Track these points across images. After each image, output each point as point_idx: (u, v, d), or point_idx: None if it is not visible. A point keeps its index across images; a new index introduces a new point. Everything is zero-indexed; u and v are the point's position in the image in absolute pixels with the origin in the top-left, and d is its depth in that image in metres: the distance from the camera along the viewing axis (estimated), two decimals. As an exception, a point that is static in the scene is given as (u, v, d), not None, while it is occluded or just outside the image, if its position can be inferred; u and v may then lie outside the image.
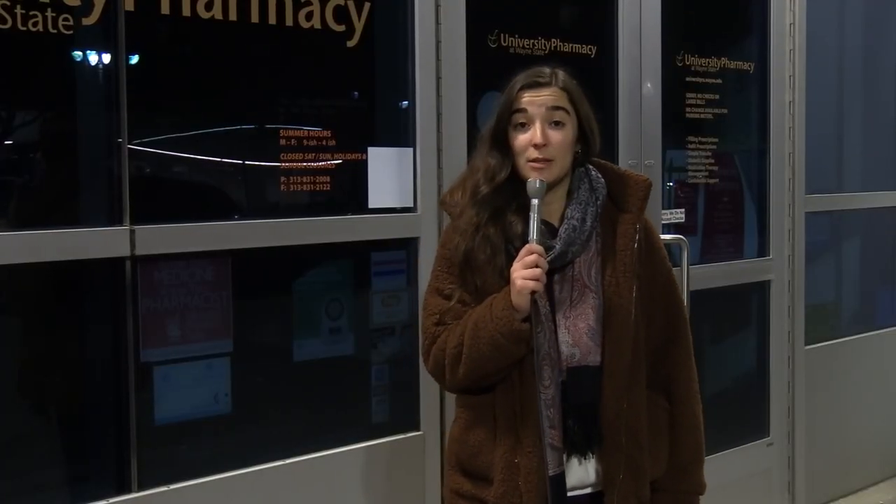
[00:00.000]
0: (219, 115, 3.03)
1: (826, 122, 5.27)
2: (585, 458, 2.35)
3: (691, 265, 4.03)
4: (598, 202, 2.39)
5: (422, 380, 3.32)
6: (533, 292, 2.23)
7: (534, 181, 2.27)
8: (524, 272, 2.22)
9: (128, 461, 2.77)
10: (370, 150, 3.27)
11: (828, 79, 5.24)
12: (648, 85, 4.13)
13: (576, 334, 2.32)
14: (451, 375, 2.34)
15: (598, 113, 2.45)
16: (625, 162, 3.98)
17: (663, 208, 4.24)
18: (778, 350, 4.75)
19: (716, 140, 4.50)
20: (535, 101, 2.33)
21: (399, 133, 3.37)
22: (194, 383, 2.92)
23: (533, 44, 3.71)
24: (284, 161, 3.09)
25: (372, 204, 3.28)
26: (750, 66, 4.67)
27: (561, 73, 2.38)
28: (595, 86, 3.95)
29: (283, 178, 3.10)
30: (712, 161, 4.48)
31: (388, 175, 3.31)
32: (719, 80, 4.50)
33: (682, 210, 4.36)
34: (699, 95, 4.42)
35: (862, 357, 5.33)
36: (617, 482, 2.34)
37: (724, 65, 4.53)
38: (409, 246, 3.38)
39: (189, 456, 2.94)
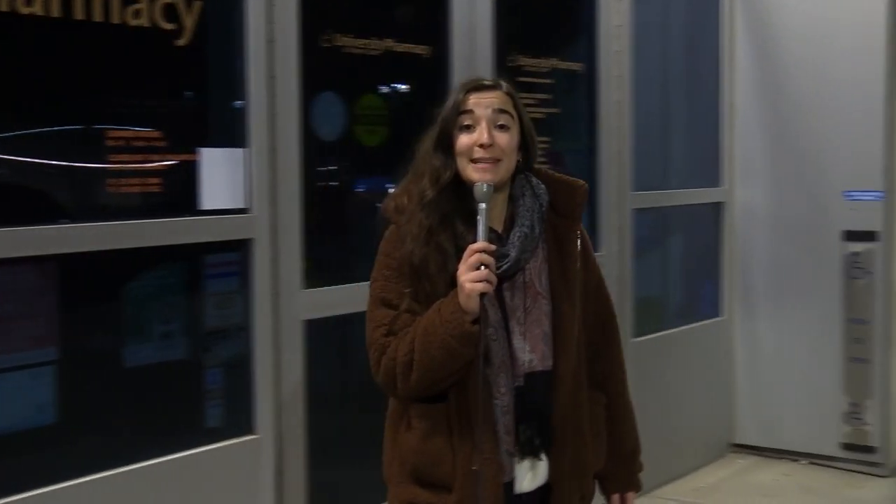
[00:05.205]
0: (43, 116, 2.93)
1: (653, 121, 5.45)
2: (538, 460, 2.39)
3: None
4: (542, 209, 2.42)
5: (256, 382, 3.29)
6: (483, 294, 2.23)
7: (481, 185, 2.27)
8: (471, 275, 2.21)
9: (-56, 477, 2.66)
10: (202, 150, 3.22)
11: (654, 79, 5.42)
12: (482, 85, 4.17)
13: (532, 341, 2.36)
14: (403, 384, 2.31)
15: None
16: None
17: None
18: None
19: (548, 139, 4.60)
20: (481, 102, 2.34)
21: (232, 133, 3.32)
22: (15, 394, 2.82)
23: (367, 44, 3.70)
24: (113, 162, 3.00)
25: (204, 205, 3.22)
26: (580, 66, 4.78)
27: (504, 81, 2.42)
28: (429, 86, 4.03)
29: (111, 180, 3.02)
30: (544, 160, 4.57)
31: (220, 176, 3.26)
32: (551, 80, 4.60)
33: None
34: (531, 95, 4.50)
35: (686, 347, 5.55)
36: (565, 479, 2.40)
37: (555, 65, 4.64)
38: (243, 247, 3.33)
39: (11, 470, 2.83)
